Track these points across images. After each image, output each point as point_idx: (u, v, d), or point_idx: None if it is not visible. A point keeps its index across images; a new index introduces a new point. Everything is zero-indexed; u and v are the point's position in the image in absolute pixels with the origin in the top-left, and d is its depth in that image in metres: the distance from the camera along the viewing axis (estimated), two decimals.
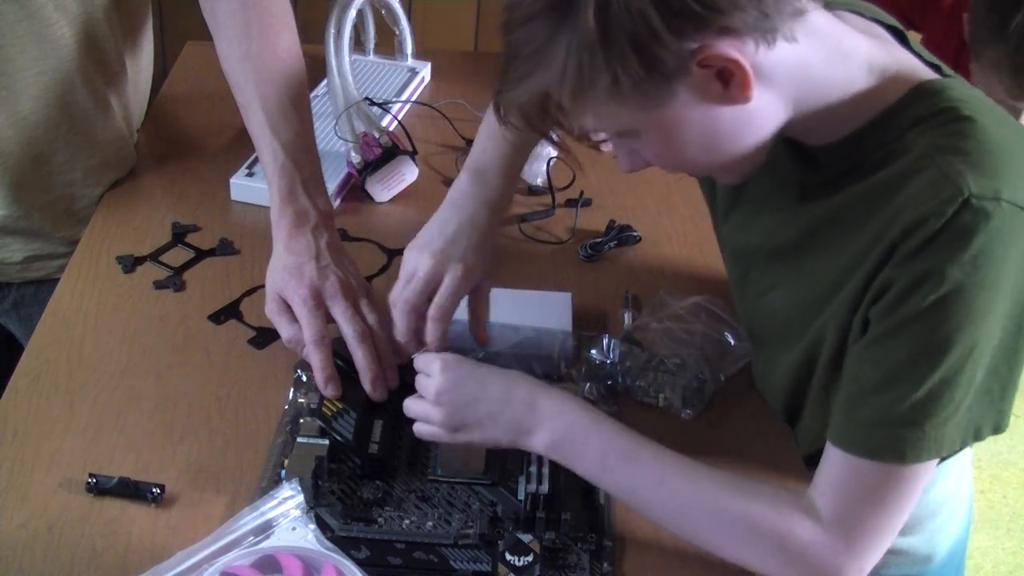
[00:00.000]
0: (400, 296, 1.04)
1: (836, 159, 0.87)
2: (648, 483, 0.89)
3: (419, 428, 0.97)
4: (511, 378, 0.94)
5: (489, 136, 1.09)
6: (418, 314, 1.03)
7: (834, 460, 0.85)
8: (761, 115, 0.83)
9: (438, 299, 1.02)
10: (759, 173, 0.92)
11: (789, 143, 0.90)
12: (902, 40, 0.90)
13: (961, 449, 0.84)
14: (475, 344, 1.08)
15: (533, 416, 0.92)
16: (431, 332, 1.02)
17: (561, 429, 0.91)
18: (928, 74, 0.86)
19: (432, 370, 0.95)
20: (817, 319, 0.90)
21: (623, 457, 0.90)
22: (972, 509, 1.20)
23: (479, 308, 1.09)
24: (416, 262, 1.03)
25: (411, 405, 0.97)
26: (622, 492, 0.91)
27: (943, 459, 0.85)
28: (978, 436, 0.84)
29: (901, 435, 0.81)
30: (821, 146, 0.88)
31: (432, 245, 1.04)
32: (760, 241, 0.98)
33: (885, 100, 0.84)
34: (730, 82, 0.78)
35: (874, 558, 0.85)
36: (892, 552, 0.87)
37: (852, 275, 0.85)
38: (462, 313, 1.09)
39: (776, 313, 0.98)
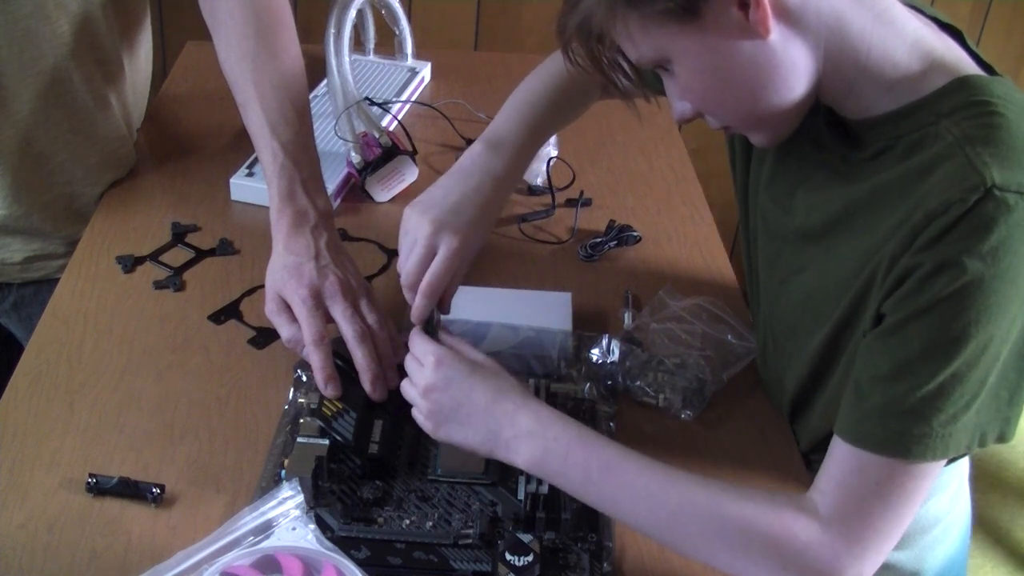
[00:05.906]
0: (403, 269, 1.02)
1: (874, 136, 0.87)
2: (635, 494, 0.87)
3: (414, 414, 0.97)
4: (499, 389, 0.93)
5: (512, 110, 1.09)
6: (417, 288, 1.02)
7: (838, 455, 0.84)
8: (789, 60, 0.83)
9: (429, 274, 1.00)
10: (802, 147, 0.91)
11: (831, 118, 0.90)
12: (960, 40, 0.89)
13: (967, 452, 0.83)
14: (475, 342, 1.08)
15: (512, 431, 0.90)
16: (417, 307, 1.00)
17: (542, 446, 0.89)
18: (976, 70, 0.85)
19: (426, 362, 0.95)
20: (838, 306, 0.90)
21: (607, 469, 0.87)
22: (969, 531, 1.17)
23: (454, 277, 1.05)
24: (416, 228, 1.01)
25: (407, 388, 0.98)
26: (609, 505, 0.89)
27: (948, 462, 0.84)
28: (983, 442, 0.83)
29: (908, 429, 0.80)
30: (861, 120, 0.88)
31: (432, 211, 1.01)
32: (797, 219, 0.97)
33: (928, 85, 0.84)
34: (749, 12, 0.80)
35: (875, 562, 0.82)
36: None
37: (872, 261, 0.84)
38: (463, 313, 1.09)
39: (798, 298, 0.98)
